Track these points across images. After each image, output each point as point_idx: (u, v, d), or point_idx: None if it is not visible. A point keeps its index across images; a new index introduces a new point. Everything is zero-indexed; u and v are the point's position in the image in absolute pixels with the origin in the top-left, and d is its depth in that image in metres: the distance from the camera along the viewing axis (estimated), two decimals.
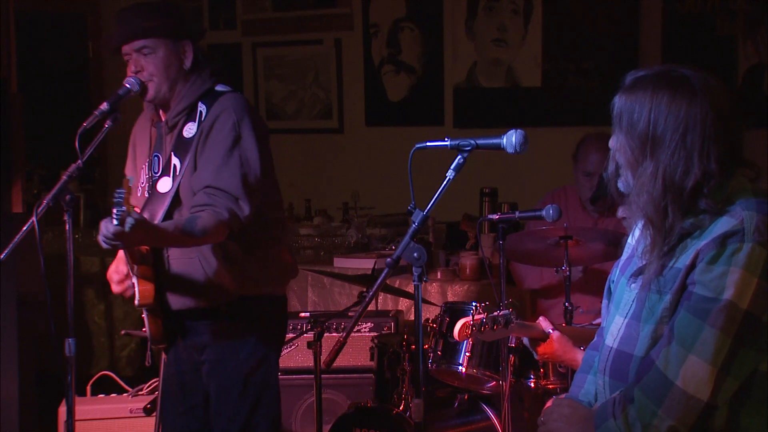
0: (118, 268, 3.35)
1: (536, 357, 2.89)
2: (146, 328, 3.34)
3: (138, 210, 3.29)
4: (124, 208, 2.75)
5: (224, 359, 3.35)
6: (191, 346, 3.40)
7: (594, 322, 3.88)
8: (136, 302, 3.22)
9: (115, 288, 3.36)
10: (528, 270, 4.39)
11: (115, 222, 2.78)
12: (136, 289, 3.21)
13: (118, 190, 2.76)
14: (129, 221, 2.77)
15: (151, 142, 3.37)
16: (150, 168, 3.34)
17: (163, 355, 3.54)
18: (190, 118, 3.28)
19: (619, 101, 2.20)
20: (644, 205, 2.15)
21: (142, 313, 3.39)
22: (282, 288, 3.50)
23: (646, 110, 2.14)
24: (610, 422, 2.16)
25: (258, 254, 3.34)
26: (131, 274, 3.28)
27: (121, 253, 3.39)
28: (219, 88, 3.33)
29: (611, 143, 2.25)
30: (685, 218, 2.14)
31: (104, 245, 2.93)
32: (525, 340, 2.89)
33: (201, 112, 3.27)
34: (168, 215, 3.23)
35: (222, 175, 3.15)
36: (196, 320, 3.36)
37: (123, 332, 5.11)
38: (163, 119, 3.33)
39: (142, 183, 3.37)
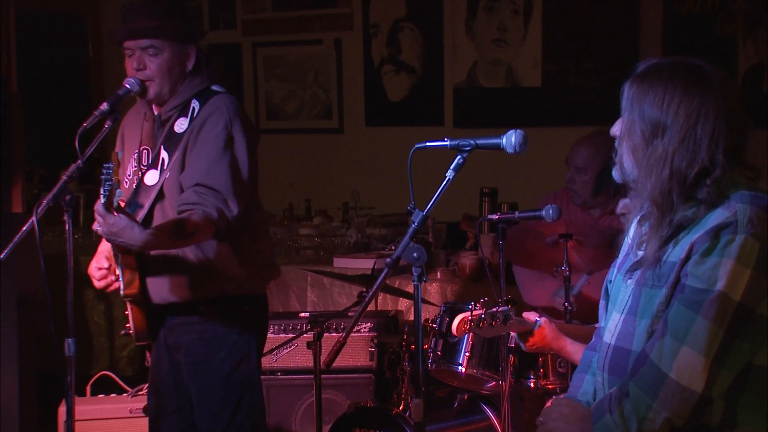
0: (99, 264, 3.35)
1: (524, 349, 2.88)
2: (131, 323, 3.34)
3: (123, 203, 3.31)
4: (112, 180, 2.75)
5: (203, 360, 3.36)
6: (171, 346, 3.42)
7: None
8: (122, 292, 3.22)
9: (98, 284, 3.36)
10: (530, 286, 4.38)
11: (102, 200, 2.79)
12: (121, 279, 3.22)
13: (106, 165, 2.76)
14: (118, 194, 2.78)
15: (142, 135, 3.36)
16: (138, 161, 3.35)
17: (147, 354, 3.56)
18: (182, 113, 3.30)
19: (630, 87, 2.22)
20: (652, 188, 2.16)
21: (126, 310, 3.40)
22: (263, 287, 3.50)
23: (660, 97, 2.16)
24: (606, 417, 2.17)
25: (239, 253, 3.34)
26: (115, 266, 3.29)
27: (101, 248, 3.40)
28: (214, 87, 3.35)
29: (614, 130, 2.26)
30: (685, 206, 2.15)
31: (99, 229, 2.94)
32: (514, 335, 2.89)
33: (194, 108, 3.29)
34: (152, 208, 3.24)
35: (213, 173, 3.17)
36: (176, 317, 3.37)
37: (123, 332, 5.11)
38: (156, 113, 3.34)
39: (129, 175, 3.38)
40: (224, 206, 3.15)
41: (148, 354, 3.70)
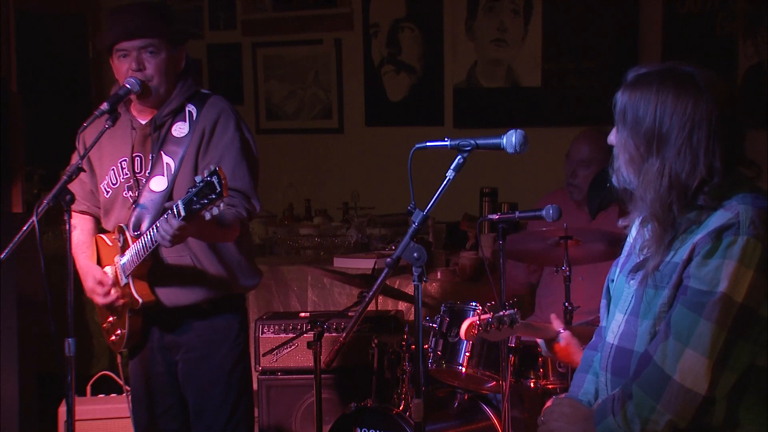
0: (100, 280, 3.35)
1: (551, 357, 2.89)
2: (124, 331, 3.34)
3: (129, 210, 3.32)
4: (222, 194, 2.77)
5: (206, 357, 3.40)
6: (165, 347, 3.44)
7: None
8: (141, 301, 3.25)
9: (102, 300, 3.37)
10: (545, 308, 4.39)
11: (181, 209, 2.84)
12: (133, 290, 3.25)
13: (210, 178, 2.77)
14: (215, 210, 2.83)
15: (133, 143, 3.35)
16: (131, 168, 3.34)
17: (119, 358, 3.59)
18: (177, 118, 3.33)
19: (622, 97, 2.21)
20: (651, 202, 2.16)
21: (109, 318, 3.40)
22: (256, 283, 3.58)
23: (652, 107, 2.15)
24: (609, 419, 2.17)
25: (244, 251, 3.43)
26: (121, 278, 3.30)
27: (88, 266, 3.41)
28: (203, 91, 3.40)
29: (611, 138, 2.26)
30: (686, 213, 2.15)
31: (168, 242, 2.98)
32: (541, 342, 2.89)
33: (191, 112, 3.33)
34: (161, 213, 3.25)
35: (237, 176, 3.25)
36: (178, 318, 3.39)
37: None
38: (143, 121, 3.35)
39: (114, 184, 3.38)
40: (249, 205, 3.27)
41: (119, 358, 3.71)
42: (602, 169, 4.27)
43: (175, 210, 2.87)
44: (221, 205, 2.80)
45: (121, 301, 3.33)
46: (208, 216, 2.83)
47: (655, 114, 2.15)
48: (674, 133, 2.13)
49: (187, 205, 2.82)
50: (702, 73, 2.17)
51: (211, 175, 2.77)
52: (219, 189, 2.76)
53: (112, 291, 3.34)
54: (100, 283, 3.34)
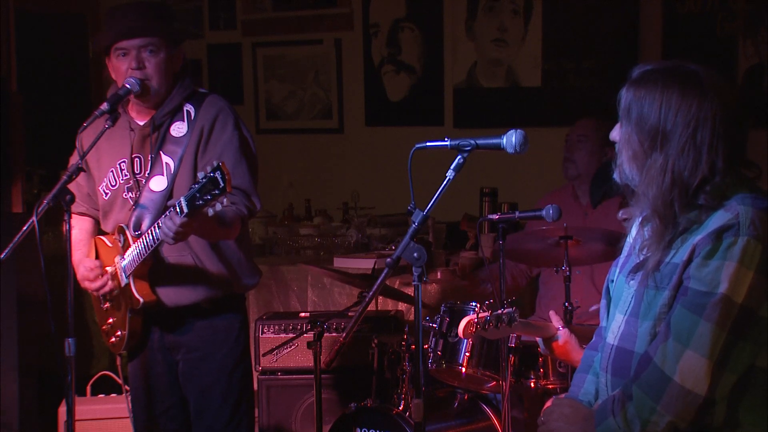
0: (89, 267, 3.36)
1: (551, 356, 2.89)
2: (124, 332, 3.34)
3: (130, 210, 3.32)
4: (225, 189, 2.77)
5: (206, 356, 3.41)
6: (166, 347, 3.44)
7: (591, 309, 3.90)
8: (141, 301, 3.25)
9: (92, 285, 3.37)
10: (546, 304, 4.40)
11: (183, 206, 2.84)
12: (134, 289, 3.25)
13: (212, 173, 2.76)
14: (219, 205, 2.82)
15: (132, 144, 3.34)
16: (131, 170, 3.34)
17: (119, 360, 3.59)
18: (176, 118, 3.33)
19: (627, 94, 2.21)
20: (653, 199, 2.16)
21: (108, 319, 3.40)
22: (256, 282, 3.58)
23: (657, 104, 2.16)
24: (609, 420, 2.17)
25: (244, 250, 3.44)
26: (122, 278, 3.30)
27: (82, 259, 3.40)
28: (200, 90, 3.41)
29: (614, 135, 2.26)
30: (686, 212, 2.15)
31: (171, 240, 2.98)
32: (539, 341, 2.89)
33: (188, 111, 3.33)
34: (161, 212, 3.25)
35: (236, 174, 3.23)
36: (178, 318, 3.40)
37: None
38: (141, 122, 3.34)
39: (113, 186, 3.37)
40: (249, 203, 3.26)
41: (119, 359, 3.72)
42: (605, 161, 4.30)
43: (177, 207, 2.87)
44: (224, 200, 2.80)
45: (109, 286, 3.32)
46: (211, 212, 2.82)
47: (660, 111, 2.15)
48: (678, 131, 2.14)
49: (190, 201, 2.83)
50: (707, 72, 2.18)
51: (214, 170, 2.77)
52: (222, 184, 2.75)
53: (104, 279, 3.33)
54: (91, 269, 3.34)
